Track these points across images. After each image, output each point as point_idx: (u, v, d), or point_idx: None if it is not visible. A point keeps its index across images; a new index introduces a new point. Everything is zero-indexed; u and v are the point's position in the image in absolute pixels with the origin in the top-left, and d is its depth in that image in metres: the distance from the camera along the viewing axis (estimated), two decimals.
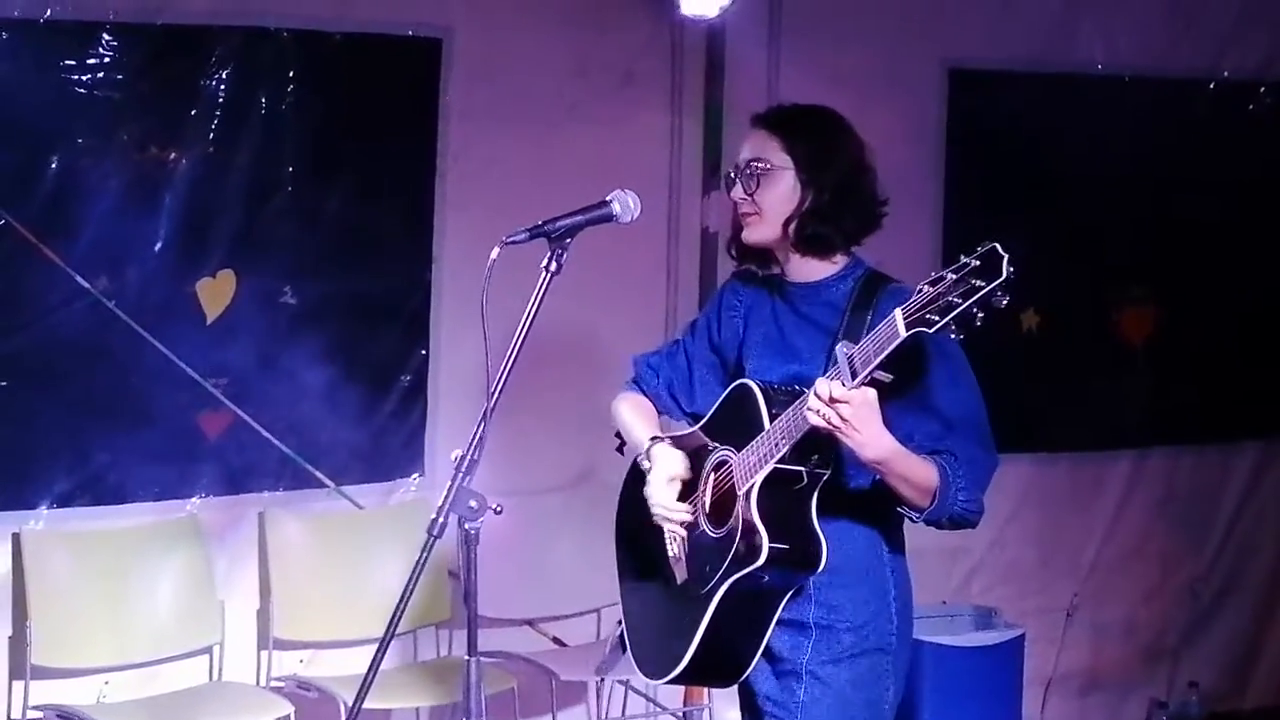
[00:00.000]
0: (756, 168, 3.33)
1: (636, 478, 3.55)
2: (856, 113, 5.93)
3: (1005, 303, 2.84)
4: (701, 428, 3.44)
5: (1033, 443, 6.53)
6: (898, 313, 2.93)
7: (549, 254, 3.15)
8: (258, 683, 5.38)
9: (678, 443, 3.51)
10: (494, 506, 3.05)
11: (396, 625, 3.06)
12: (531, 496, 5.65)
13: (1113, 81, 6.46)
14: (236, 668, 5.37)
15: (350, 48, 5.42)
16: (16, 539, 5.03)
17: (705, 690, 5.75)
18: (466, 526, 3.02)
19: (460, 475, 3.02)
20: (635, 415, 3.60)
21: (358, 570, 5.50)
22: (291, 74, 5.32)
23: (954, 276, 2.87)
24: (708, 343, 3.57)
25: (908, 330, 2.91)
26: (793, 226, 3.31)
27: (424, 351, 5.63)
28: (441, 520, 3.02)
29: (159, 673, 5.24)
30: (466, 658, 3.03)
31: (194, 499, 5.32)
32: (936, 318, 2.87)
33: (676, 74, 5.91)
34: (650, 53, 5.89)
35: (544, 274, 3.14)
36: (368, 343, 5.52)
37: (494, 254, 3.05)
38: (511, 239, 3.10)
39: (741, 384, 3.33)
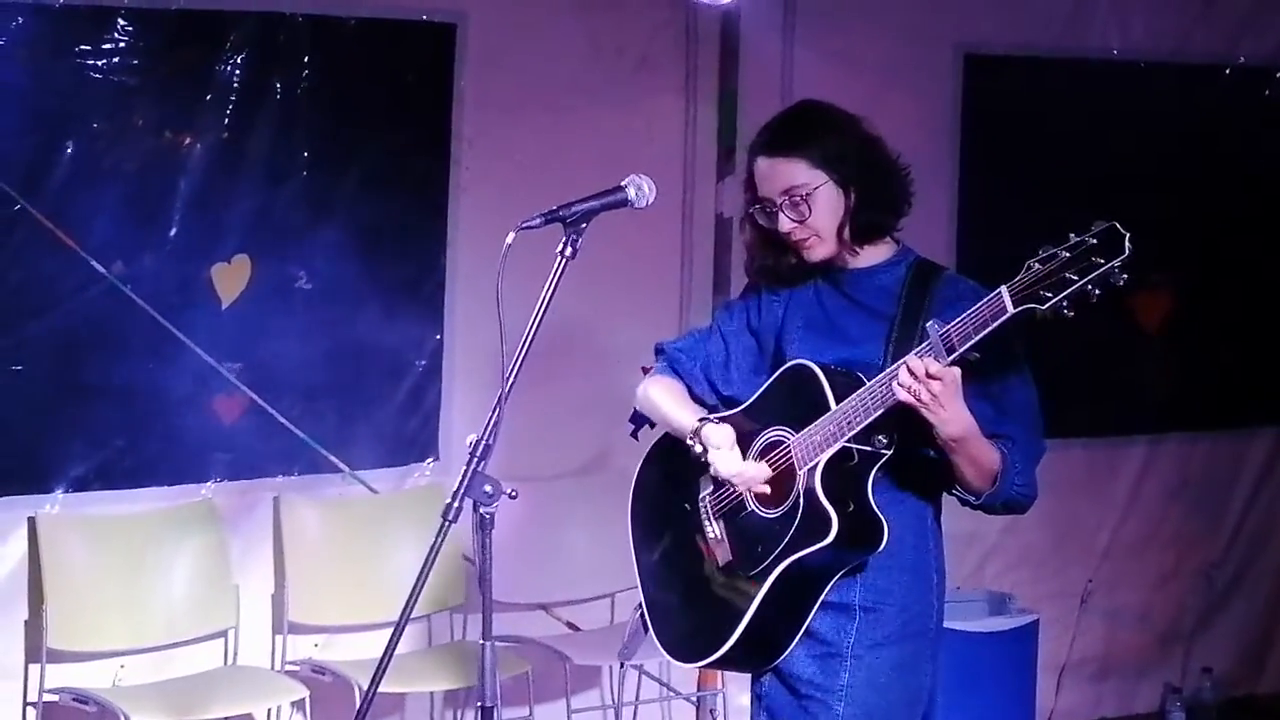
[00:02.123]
0: (797, 195, 3.29)
1: (658, 459, 3.53)
2: (871, 98, 5.95)
3: (1124, 280, 2.88)
4: (746, 410, 3.40)
5: (1047, 428, 6.49)
6: (1004, 290, 2.95)
7: (564, 239, 3.12)
8: (272, 666, 5.39)
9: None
10: (509, 491, 3.04)
11: (411, 609, 3.06)
12: (546, 481, 5.66)
13: (1128, 67, 6.45)
14: (251, 652, 5.38)
15: (364, 33, 5.43)
16: (32, 523, 5.05)
17: (719, 675, 5.76)
18: (481, 511, 3.02)
19: (475, 460, 3.01)
20: (672, 398, 3.53)
21: (372, 555, 5.52)
22: (306, 59, 5.33)
23: (1068, 255, 2.90)
24: (745, 326, 3.53)
25: (1016, 307, 2.93)
26: (847, 230, 3.30)
27: (438, 337, 5.64)
28: (456, 505, 3.01)
29: (174, 656, 5.26)
30: (481, 642, 3.03)
31: (209, 484, 5.33)
32: (1050, 294, 2.90)
33: (691, 58, 5.90)
34: (665, 37, 5.89)
35: (559, 259, 3.12)
36: (382, 328, 5.52)
37: (509, 239, 3.03)
38: (526, 224, 3.08)
39: (798, 365, 3.29)
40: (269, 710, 5.26)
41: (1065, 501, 6.56)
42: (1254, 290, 6.73)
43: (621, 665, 5.53)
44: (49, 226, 4.95)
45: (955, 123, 6.28)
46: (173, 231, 5.18)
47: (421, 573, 3.05)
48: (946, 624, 5.90)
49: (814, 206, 3.29)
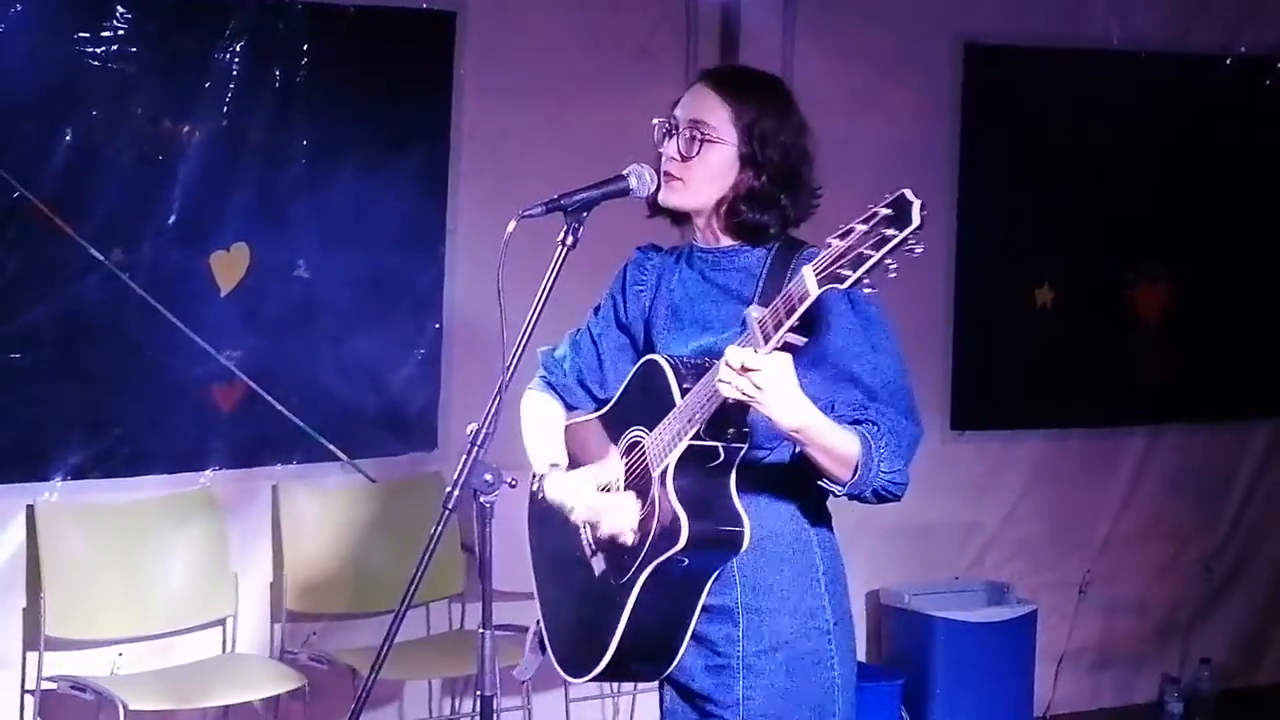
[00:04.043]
0: (698, 132, 3.14)
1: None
2: (871, 87, 6.00)
3: (920, 250, 2.68)
4: (609, 411, 3.27)
5: (1046, 419, 6.54)
6: (807, 270, 2.75)
7: (565, 228, 3.10)
8: (271, 655, 5.40)
9: (582, 430, 3.34)
10: (509, 480, 3.02)
11: (411, 598, 3.05)
12: None
13: (1128, 57, 6.45)
14: (250, 640, 5.38)
15: (364, 21, 5.42)
16: (31, 511, 5.05)
17: None
18: (482, 500, 3.01)
19: (475, 448, 3.01)
20: (535, 429, 3.38)
21: (371, 543, 5.51)
22: (305, 47, 5.32)
23: (864, 228, 2.67)
24: (614, 323, 3.38)
25: (820, 288, 2.75)
26: (724, 208, 3.16)
27: (437, 325, 5.63)
28: (456, 493, 3.00)
29: (172, 644, 5.26)
30: (480, 630, 3.02)
31: (207, 472, 5.33)
32: (848, 272, 2.69)
33: (691, 48, 5.89)
34: (665, 26, 5.88)
35: (560, 248, 3.09)
36: (381, 317, 5.52)
37: (510, 227, 3.01)
38: (528, 212, 3.06)
39: (649, 360, 3.15)
40: (267, 698, 5.26)
41: (1064, 492, 6.57)
42: (1253, 281, 6.73)
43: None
44: (48, 214, 4.95)
45: (955, 112, 6.27)
46: (171, 219, 5.18)
47: (421, 561, 3.04)
48: (945, 614, 6.00)
49: (703, 153, 3.13)
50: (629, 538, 3.10)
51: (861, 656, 6.16)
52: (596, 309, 3.42)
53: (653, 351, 3.21)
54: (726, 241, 3.19)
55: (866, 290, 2.74)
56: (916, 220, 2.65)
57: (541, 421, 3.38)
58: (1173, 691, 6.56)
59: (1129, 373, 6.63)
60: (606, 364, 3.37)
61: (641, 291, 3.33)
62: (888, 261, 2.68)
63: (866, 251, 2.68)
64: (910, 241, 2.66)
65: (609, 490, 3.17)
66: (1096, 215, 6.44)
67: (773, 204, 3.13)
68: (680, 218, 3.25)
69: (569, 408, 3.40)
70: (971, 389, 6.38)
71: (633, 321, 3.34)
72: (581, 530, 3.23)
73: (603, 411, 3.28)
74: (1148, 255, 6.62)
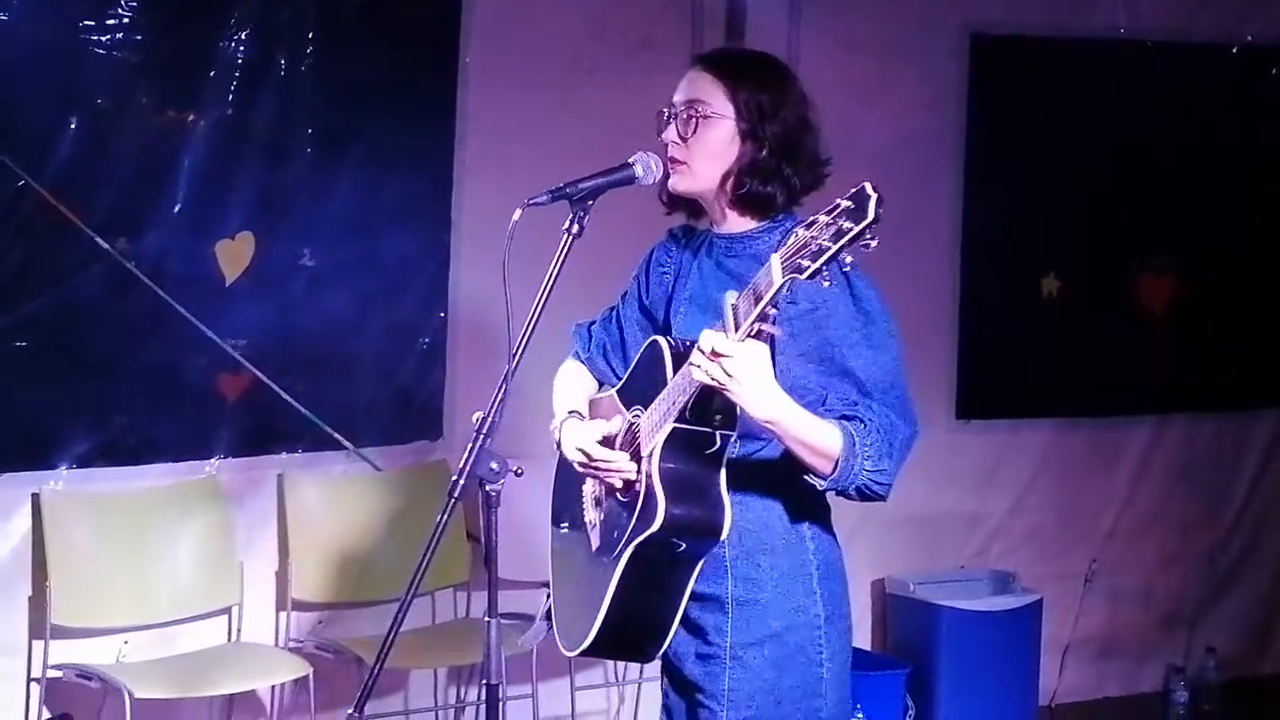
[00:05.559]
0: (695, 111, 3.16)
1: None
2: (877, 78, 6.00)
3: (874, 245, 2.65)
4: (621, 388, 3.29)
5: (1052, 409, 6.54)
6: (775, 258, 2.73)
7: (570, 216, 3.10)
8: (276, 644, 5.40)
9: (596, 407, 3.38)
10: (514, 469, 3.03)
11: (417, 586, 3.06)
12: (551, 459, 5.64)
13: (1135, 46, 6.44)
14: (255, 629, 5.38)
15: (369, 10, 5.41)
16: (36, 499, 5.05)
17: None
18: (487, 488, 3.01)
19: (481, 437, 3.01)
20: (563, 388, 3.45)
21: (376, 532, 5.52)
22: (310, 35, 5.32)
23: (826, 219, 2.66)
24: (638, 305, 3.43)
25: (783, 277, 2.73)
26: (730, 183, 3.16)
27: (443, 314, 5.63)
28: (462, 482, 3.00)
29: (178, 633, 5.26)
30: (486, 619, 3.03)
31: (213, 460, 5.33)
32: (808, 263, 2.67)
33: (696, 38, 5.88)
34: (670, 16, 5.87)
35: (566, 236, 3.09)
36: (386, 305, 5.52)
37: (516, 216, 3.01)
38: (533, 201, 3.06)
39: (653, 340, 3.15)
40: (272, 687, 5.27)
41: (1070, 482, 6.57)
42: (1258, 272, 6.73)
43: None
44: (53, 203, 4.95)
45: (962, 102, 6.27)
46: (176, 208, 5.18)
47: (426, 550, 3.04)
48: (950, 603, 6.00)
49: (701, 131, 3.15)
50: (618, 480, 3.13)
51: (867, 645, 6.18)
52: (624, 293, 3.47)
53: (671, 335, 3.23)
54: (736, 220, 3.20)
55: (826, 284, 2.72)
56: (872, 214, 2.62)
57: (570, 382, 3.47)
58: (1178, 681, 6.55)
59: (1135, 363, 6.63)
60: (629, 344, 3.41)
61: (665, 274, 3.36)
62: (845, 255, 2.66)
63: (825, 244, 2.66)
64: (866, 236, 2.63)
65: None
66: (1102, 206, 6.44)
67: (776, 175, 3.15)
68: (698, 209, 3.27)
69: (598, 382, 3.48)
70: (977, 378, 6.38)
71: (654, 303, 3.37)
72: (588, 505, 3.27)
73: (617, 387, 3.31)
74: (1154, 246, 6.62)
